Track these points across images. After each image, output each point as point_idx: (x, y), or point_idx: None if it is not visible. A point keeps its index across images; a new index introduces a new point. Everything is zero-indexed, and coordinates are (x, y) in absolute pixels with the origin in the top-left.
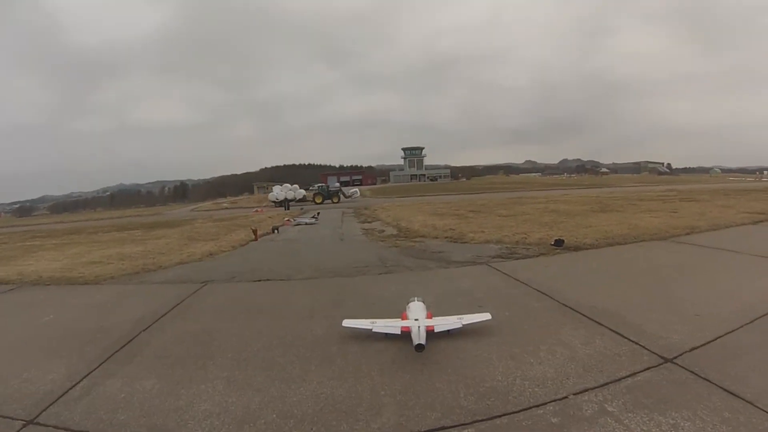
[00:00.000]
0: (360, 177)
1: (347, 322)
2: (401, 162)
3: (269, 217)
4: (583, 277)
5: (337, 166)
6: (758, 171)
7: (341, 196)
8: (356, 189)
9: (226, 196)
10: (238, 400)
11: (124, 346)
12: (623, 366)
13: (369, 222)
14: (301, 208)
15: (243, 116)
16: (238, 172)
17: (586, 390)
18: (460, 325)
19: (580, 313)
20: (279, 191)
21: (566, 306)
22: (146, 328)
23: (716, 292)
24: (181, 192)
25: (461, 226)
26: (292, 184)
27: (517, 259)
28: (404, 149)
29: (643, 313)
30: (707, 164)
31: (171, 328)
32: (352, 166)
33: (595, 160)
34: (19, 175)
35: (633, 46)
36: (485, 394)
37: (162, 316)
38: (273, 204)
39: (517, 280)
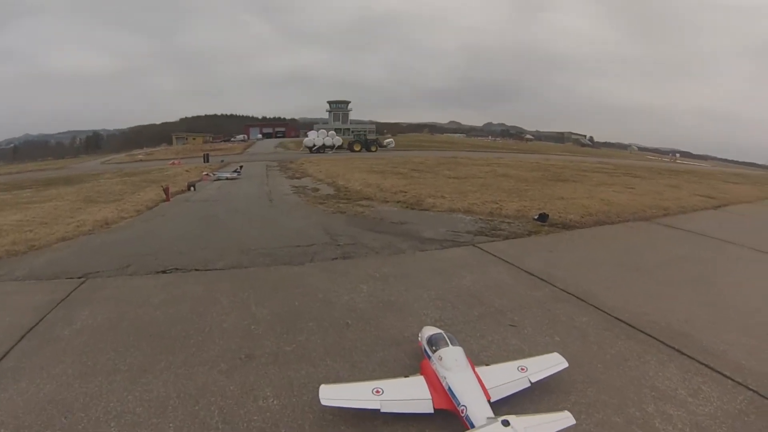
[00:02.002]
0: (283, 129)
1: (328, 394)
2: (326, 116)
3: (186, 171)
4: (604, 270)
5: (260, 117)
6: (671, 153)
7: (378, 145)
8: (392, 139)
9: (142, 147)
10: None
11: None
12: None
13: (298, 178)
14: (222, 161)
15: (164, 66)
16: (157, 122)
17: None
18: (528, 384)
19: (645, 333)
20: (315, 136)
21: (621, 321)
22: None
23: (760, 298)
24: (94, 143)
25: (412, 188)
26: (215, 135)
27: (507, 238)
28: (330, 102)
29: (713, 331)
30: (625, 141)
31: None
32: (275, 118)
33: (519, 126)
34: None
35: (566, 23)
36: None
37: None
38: (308, 150)
39: (531, 275)
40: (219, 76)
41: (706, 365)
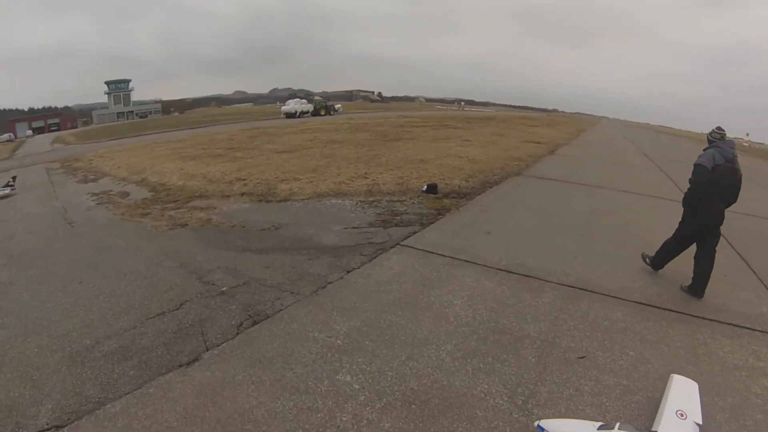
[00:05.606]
0: (57, 120)
1: None
2: (104, 100)
3: None
4: (554, 242)
5: (27, 109)
6: (457, 101)
7: (334, 110)
8: (340, 105)
9: None
10: None
11: None
12: None
13: (94, 181)
14: None
15: None
16: None
17: None
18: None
19: (670, 310)
20: (294, 104)
21: (641, 304)
22: None
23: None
24: None
25: (249, 173)
26: None
27: (423, 225)
28: (108, 83)
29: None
30: (412, 93)
31: None
32: (46, 108)
33: (306, 88)
34: None
35: None
36: None
37: None
38: (285, 116)
39: (510, 272)
40: None
41: (743, 327)
